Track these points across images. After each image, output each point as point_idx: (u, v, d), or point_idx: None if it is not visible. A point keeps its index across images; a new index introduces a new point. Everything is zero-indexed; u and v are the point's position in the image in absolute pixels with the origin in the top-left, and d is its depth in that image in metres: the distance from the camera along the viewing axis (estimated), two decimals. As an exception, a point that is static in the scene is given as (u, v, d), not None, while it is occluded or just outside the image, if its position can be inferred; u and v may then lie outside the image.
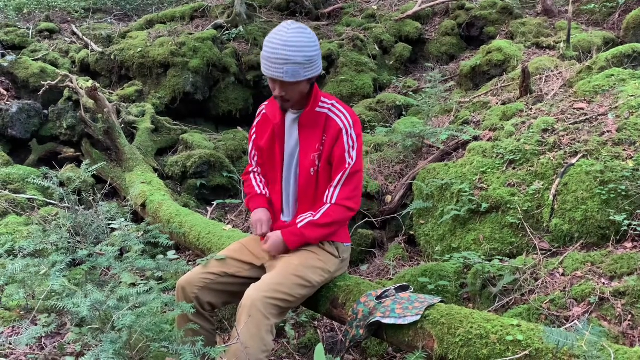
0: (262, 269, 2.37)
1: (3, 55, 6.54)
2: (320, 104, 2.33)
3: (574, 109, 3.80)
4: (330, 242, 2.39)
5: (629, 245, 2.76)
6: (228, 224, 4.30)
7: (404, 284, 2.38)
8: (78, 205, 2.76)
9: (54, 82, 5.56)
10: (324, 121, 2.30)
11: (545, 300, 2.54)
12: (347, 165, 2.29)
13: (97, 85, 5.11)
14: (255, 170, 2.62)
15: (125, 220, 2.62)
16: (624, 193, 2.89)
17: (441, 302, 2.18)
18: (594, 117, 3.59)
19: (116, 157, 4.94)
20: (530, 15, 7.20)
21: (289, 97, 2.25)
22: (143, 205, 4.11)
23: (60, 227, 2.69)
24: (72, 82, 5.54)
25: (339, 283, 2.43)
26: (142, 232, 2.64)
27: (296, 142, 2.36)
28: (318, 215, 2.30)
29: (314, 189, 2.37)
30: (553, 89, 4.42)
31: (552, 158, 3.31)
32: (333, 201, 2.31)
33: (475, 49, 7.05)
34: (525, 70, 4.39)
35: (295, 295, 2.21)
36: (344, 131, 2.28)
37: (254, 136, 2.54)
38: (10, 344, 2.51)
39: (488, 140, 3.92)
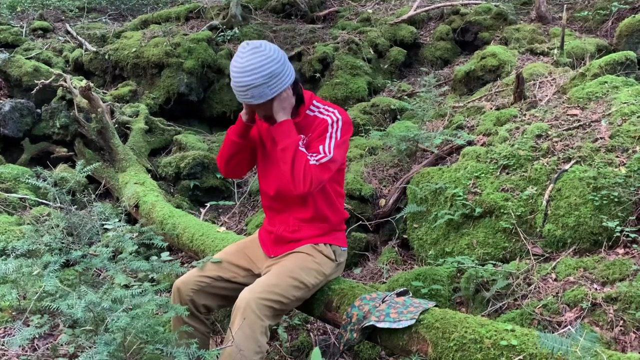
0: (259, 276, 2.35)
1: (-4, 53, 6.49)
2: (311, 107, 2.33)
3: (568, 115, 3.83)
4: (327, 244, 2.39)
5: (621, 251, 2.79)
6: (221, 225, 4.29)
7: (404, 289, 2.39)
8: (71, 206, 2.74)
9: (47, 81, 5.53)
10: (312, 122, 2.29)
11: (537, 305, 2.55)
12: (321, 152, 2.21)
13: (91, 84, 5.09)
14: None
15: (119, 221, 2.60)
16: (616, 199, 2.91)
17: (435, 306, 2.19)
18: (587, 123, 3.62)
19: (109, 157, 4.91)
20: (525, 22, 7.23)
21: (271, 113, 2.24)
22: (136, 206, 4.10)
23: (53, 227, 2.67)
24: (65, 81, 5.51)
25: (333, 286, 2.43)
26: (137, 234, 2.63)
27: None
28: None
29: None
30: (547, 95, 4.45)
31: (545, 164, 3.33)
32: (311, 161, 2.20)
33: (469, 54, 7.08)
34: (520, 76, 4.42)
35: (289, 296, 2.21)
36: (329, 126, 2.25)
37: None
38: (3, 344, 2.49)
39: (482, 145, 3.94)
